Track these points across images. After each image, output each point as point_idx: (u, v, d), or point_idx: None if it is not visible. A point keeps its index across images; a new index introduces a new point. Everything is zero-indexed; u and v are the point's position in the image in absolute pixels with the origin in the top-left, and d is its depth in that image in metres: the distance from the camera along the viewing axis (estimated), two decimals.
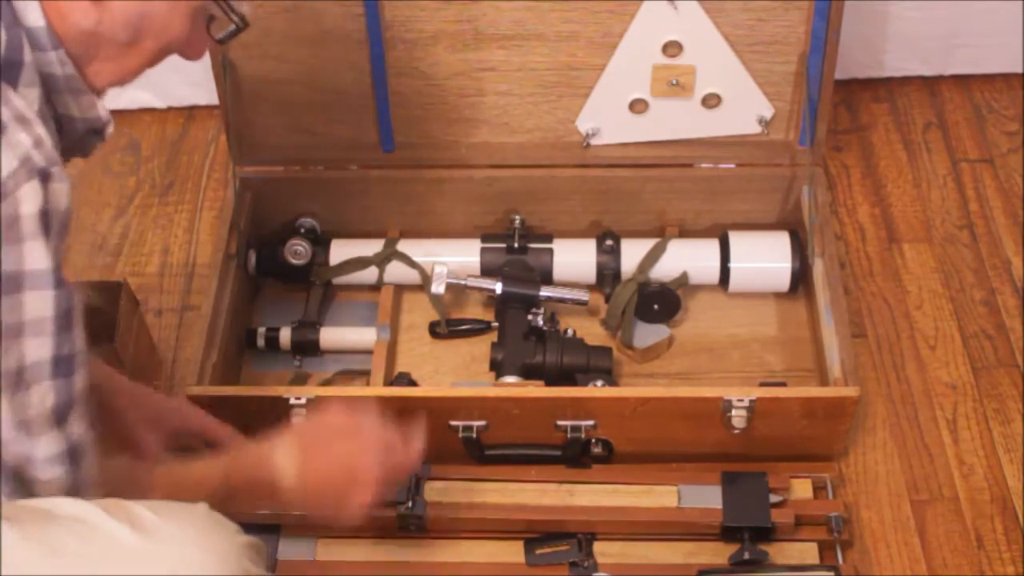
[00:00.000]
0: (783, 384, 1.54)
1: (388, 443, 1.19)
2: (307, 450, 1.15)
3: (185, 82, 1.96)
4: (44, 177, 0.89)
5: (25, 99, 0.92)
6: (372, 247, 1.70)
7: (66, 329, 0.91)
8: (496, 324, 1.65)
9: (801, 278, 1.67)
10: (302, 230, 1.71)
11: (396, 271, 1.70)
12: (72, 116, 0.97)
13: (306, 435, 1.19)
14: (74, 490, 0.95)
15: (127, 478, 1.07)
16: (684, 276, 1.67)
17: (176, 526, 0.96)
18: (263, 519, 1.45)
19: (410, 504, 1.46)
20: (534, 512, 1.47)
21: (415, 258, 1.69)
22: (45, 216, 0.88)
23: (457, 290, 1.69)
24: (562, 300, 1.65)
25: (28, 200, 0.87)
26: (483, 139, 1.72)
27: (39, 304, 0.89)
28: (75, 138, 1.01)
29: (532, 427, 1.48)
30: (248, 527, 1.40)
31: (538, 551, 1.46)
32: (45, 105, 0.95)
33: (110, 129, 1.03)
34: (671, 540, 1.47)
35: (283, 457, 1.13)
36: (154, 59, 1.01)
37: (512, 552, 1.47)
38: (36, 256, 0.88)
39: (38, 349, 0.90)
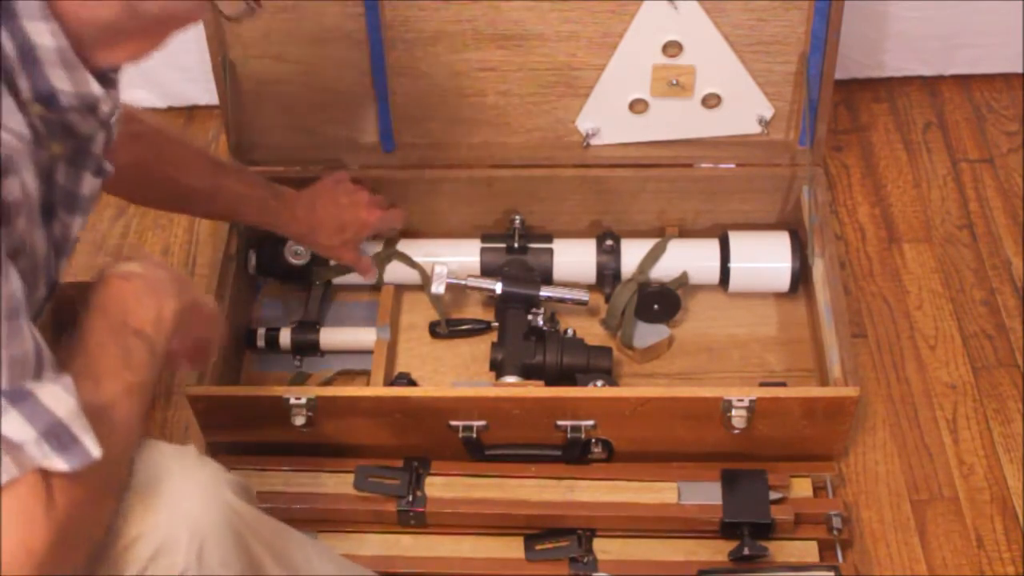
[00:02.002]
0: (783, 384, 1.54)
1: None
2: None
3: (185, 81, 1.96)
4: None
5: None
6: (372, 247, 1.70)
7: None
8: (496, 324, 1.65)
9: (801, 278, 1.67)
10: None
11: (396, 271, 1.70)
12: (64, 90, 0.95)
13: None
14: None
15: None
16: (684, 276, 1.67)
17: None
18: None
19: (410, 499, 1.46)
20: (534, 508, 1.47)
21: (415, 258, 1.69)
22: None
23: (457, 290, 1.69)
24: (562, 300, 1.65)
25: None
26: (483, 139, 1.72)
27: None
28: (65, 114, 0.99)
29: (532, 427, 1.48)
30: None
31: (538, 547, 1.46)
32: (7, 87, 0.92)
33: (104, 108, 1.00)
34: (671, 537, 1.47)
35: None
36: (166, 41, 1.01)
37: (512, 548, 1.47)
38: None
39: None
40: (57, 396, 0.89)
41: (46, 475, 0.89)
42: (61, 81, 0.95)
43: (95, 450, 0.90)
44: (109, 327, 1.03)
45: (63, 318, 1.08)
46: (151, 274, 1.08)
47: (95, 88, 0.98)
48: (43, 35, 0.92)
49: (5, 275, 0.88)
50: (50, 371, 0.92)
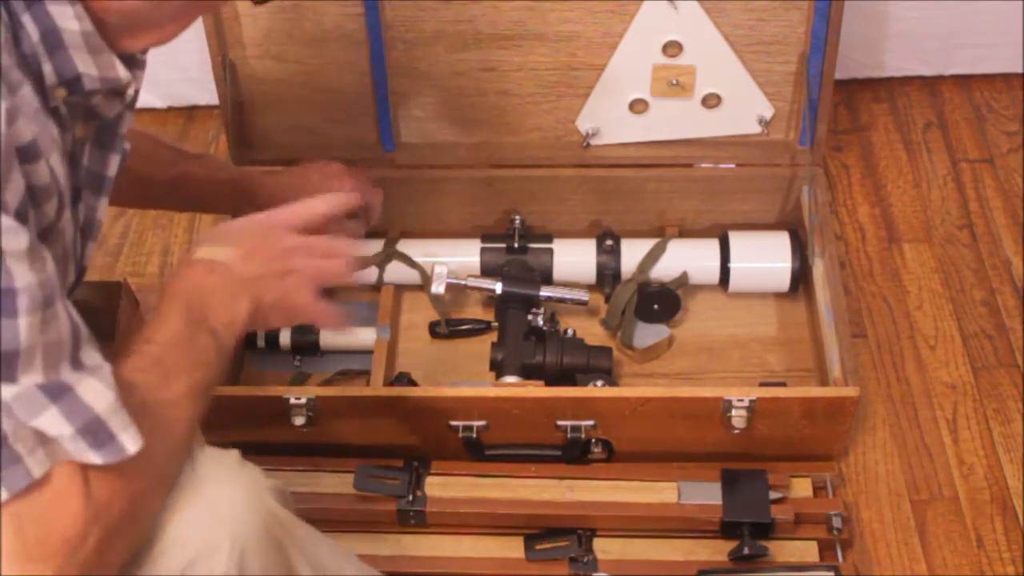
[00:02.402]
0: (783, 384, 1.54)
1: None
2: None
3: (185, 81, 1.96)
4: None
5: None
6: (372, 247, 1.70)
7: None
8: (496, 324, 1.65)
9: (801, 278, 1.67)
10: None
11: (396, 271, 1.70)
12: (88, 74, 0.95)
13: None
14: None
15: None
16: (684, 276, 1.67)
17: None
18: None
19: (410, 498, 1.46)
20: (534, 507, 1.47)
21: (415, 258, 1.69)
22: None
23: (457, 290, 1.69)
24: (562, 300, 1.65)
25: None
26: (483, 139, 1.72)
27: None
28: (89, 98, 0.98)
29: (532, 427, 1.48)
30: None
31: (538, 547, 1.46)
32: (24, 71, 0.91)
33: (130, 91, 1.00)
34: (671, 537, 1.47)
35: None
36: (191, 24, 1.01)
37: (512, 547, 1.47)
38: None
39: None
40: (96, 391, 0.88)
41: (84, 467, 0.89)
42: (86, 65, 0.94)
43: (131, 446, 0.89)
44: (189, 320, 1.03)
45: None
46: (237, 270, 1.08)
47: (121, 72, 0.97)
48: (68, 19, 0.91)
49: (41, 260, 0.87)
50: (88, 349, 0.90)
